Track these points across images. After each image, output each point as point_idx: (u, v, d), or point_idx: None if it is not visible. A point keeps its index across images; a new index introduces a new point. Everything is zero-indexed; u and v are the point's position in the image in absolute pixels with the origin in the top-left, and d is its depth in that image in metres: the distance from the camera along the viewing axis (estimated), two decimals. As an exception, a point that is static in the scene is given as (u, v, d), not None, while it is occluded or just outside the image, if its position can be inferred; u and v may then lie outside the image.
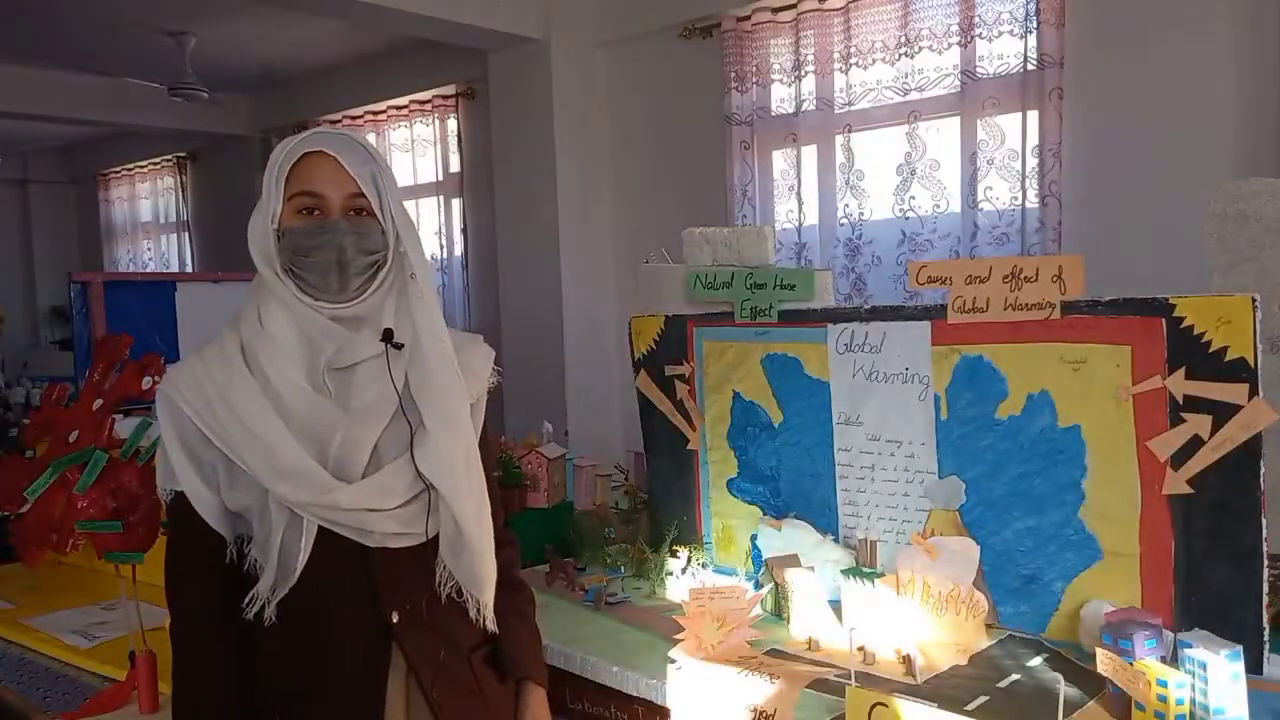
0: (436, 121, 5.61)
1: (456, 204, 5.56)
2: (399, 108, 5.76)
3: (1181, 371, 1.46)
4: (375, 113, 5.93)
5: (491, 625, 1.39)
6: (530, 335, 4.41)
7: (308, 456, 1.26)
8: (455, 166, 5.53)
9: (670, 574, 1.96)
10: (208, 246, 7.48)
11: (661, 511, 2.15)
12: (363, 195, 1.30)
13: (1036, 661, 1.53)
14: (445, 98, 5.51)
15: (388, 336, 1.32)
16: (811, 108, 3.91)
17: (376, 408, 1.30)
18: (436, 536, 1.33)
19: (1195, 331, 1.45)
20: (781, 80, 4.02)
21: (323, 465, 1.26)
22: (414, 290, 1.34)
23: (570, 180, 4.48)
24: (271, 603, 1.27)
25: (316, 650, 1.30)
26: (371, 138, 5.99)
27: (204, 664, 1.33)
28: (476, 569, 1.35)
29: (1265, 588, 1.43)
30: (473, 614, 1.36)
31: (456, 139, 5.50)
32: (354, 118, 6.06)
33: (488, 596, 1.38)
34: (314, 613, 1.29)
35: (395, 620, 1.31)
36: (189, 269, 7.52)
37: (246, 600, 1.28)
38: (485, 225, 5.20)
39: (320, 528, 1.27)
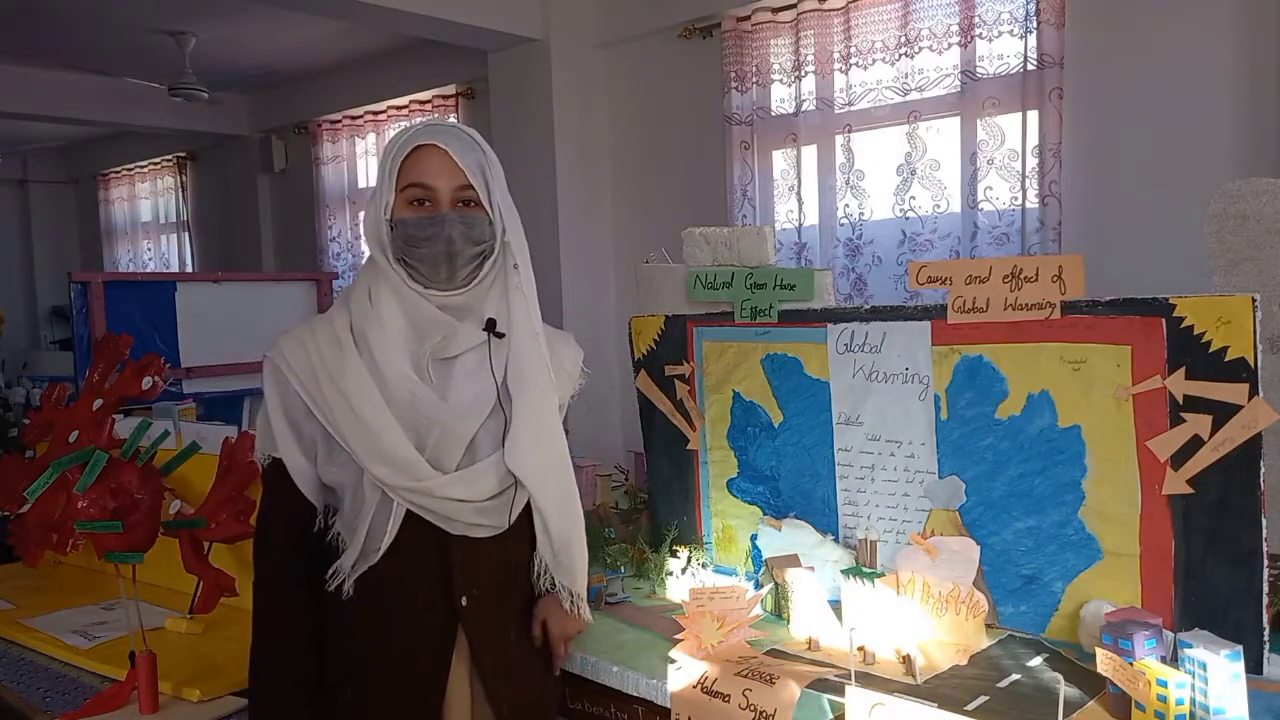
0: (436, 121, 5.61)
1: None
2: (399, 107, 5.76)
3: (1181, 371, 1.46)
4: (375, 113, 5.93)
5: (588, 617, 1.47)
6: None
7: (408, 444, 1.31)
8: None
9: (670, 574, 1.96)
10: (208, 246, 7.48)
11: (661, 511, 2.15)
12: (471, 187, 1.35)
13: (1037, 661, 1.53)
14: (445, 98, 5.51)
15: (490, 326, 1.37)
16: (811, 108, 3.91)
17: (475, 403, 1.36)
18: (516, 529, 1.40)
19: (1195, 331, 1.44)
20: (782, 80, 4.02)
21: (420, 453, 1.31)
22: (514, 281, 1.40)
23: (570, 180, 4.48)
24: (351, 578, 1.33)
25: (388, 627, 1.36)
26: (371, 138, 6.00)
27: (284, 628, 1.38)
28: (564, 560, 1.42)
29: (1265, 587, 1.43)
30: (566, 605, 1.44)
31: (457, 139, 5.49)
32: (354, 118, 6.07)
33: (580, 587, 1.45)
34: (389, 591, 1.35)
35: (464, 604, 1.37)
36: (189, 269, 7.52)
37: (330, 573, 1.34)
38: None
39: (407, 511, 1.33)
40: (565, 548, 1.42)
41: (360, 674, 1.37)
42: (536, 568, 1.42)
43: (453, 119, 5.51)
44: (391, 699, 1.36)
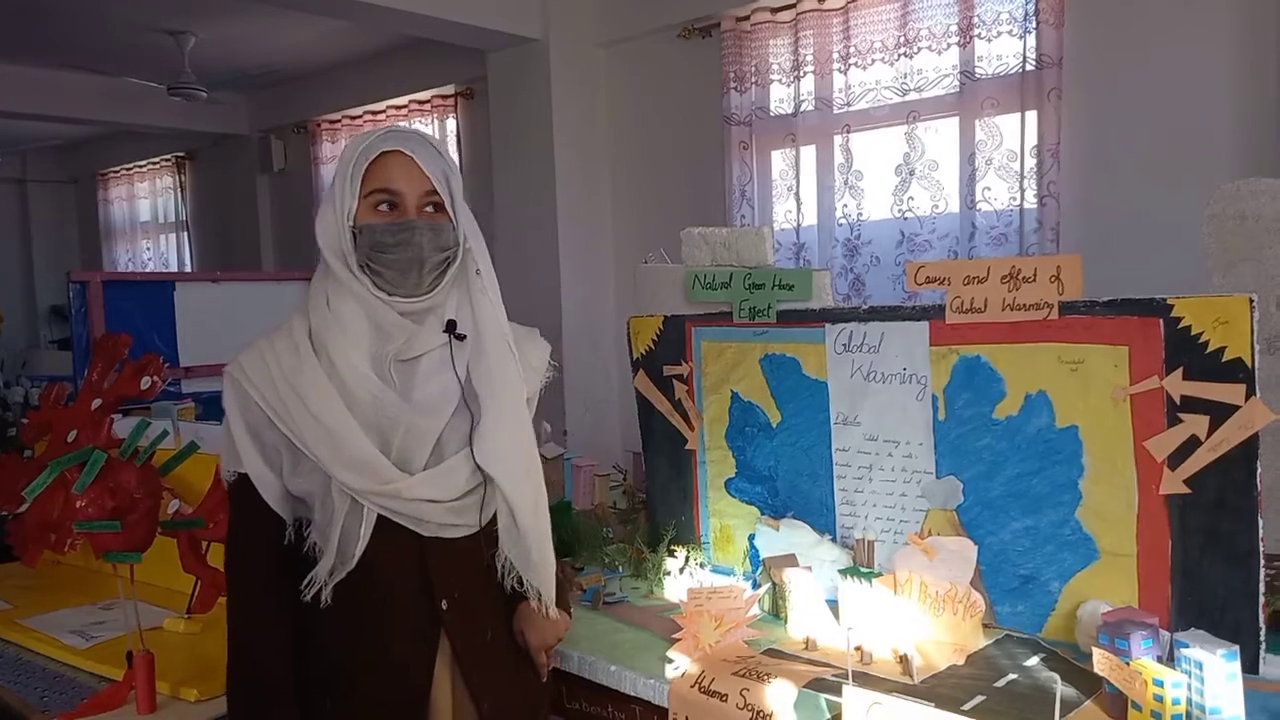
0: (436, 121, 5.61)
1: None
2: (398, 107, 5.76)
3: (1179, 372, 1.46)
4: (374, 112, 5.94)
5: (554, 614, 1.44)
6: (529, 335, 4.40)
7: (372, 446, 1.30)
8: (454, 166, 5.52)
9: (668, 574, 1.96)
10: (206, 246, 7.49)
11: (659, 511, 2.15)
12: (436, 193, 1.35)
13: (1033, 661, 1.53)
14: (444, 97, 5.51)
15: (451, 328, 1.36)
16: (810, 108, 3.91)
17: (439, 401, 1.35)
18: (489, 529, 1.39)
19: (1193, 332, 1.45)
20: (780, 80, 4.02)
21: (385, 455, 1.31)
22: (478, 284, 1.40)
23: (569, 180, 4.48)
24: (328, 585, 1.32)
25: (368, 633, 1.35)
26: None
27: (259, 641, 1.37)
28: (535, 557, 1.40)
29: (1262, 587, 1.43)
30: (534, 603, 1.42)
31: (456, 139, 5.50)
32: (353, 117, 6.07)
33: (548, 586, 1.43)
34: (368, 597, 1.34)
35: (445, 608, 1.36)
36: (188, 268, 7.52)
37: (305, 583, 1.33)
38: (484, 224, 5.19)
39: (379, 516, 1.32)
40: (538, 545, 1.40)
41: (341, 683, 1.36)
42: (501, 568, 1.39)
43: (451, 120, 5.51)
44: (375, 706, 1.35)
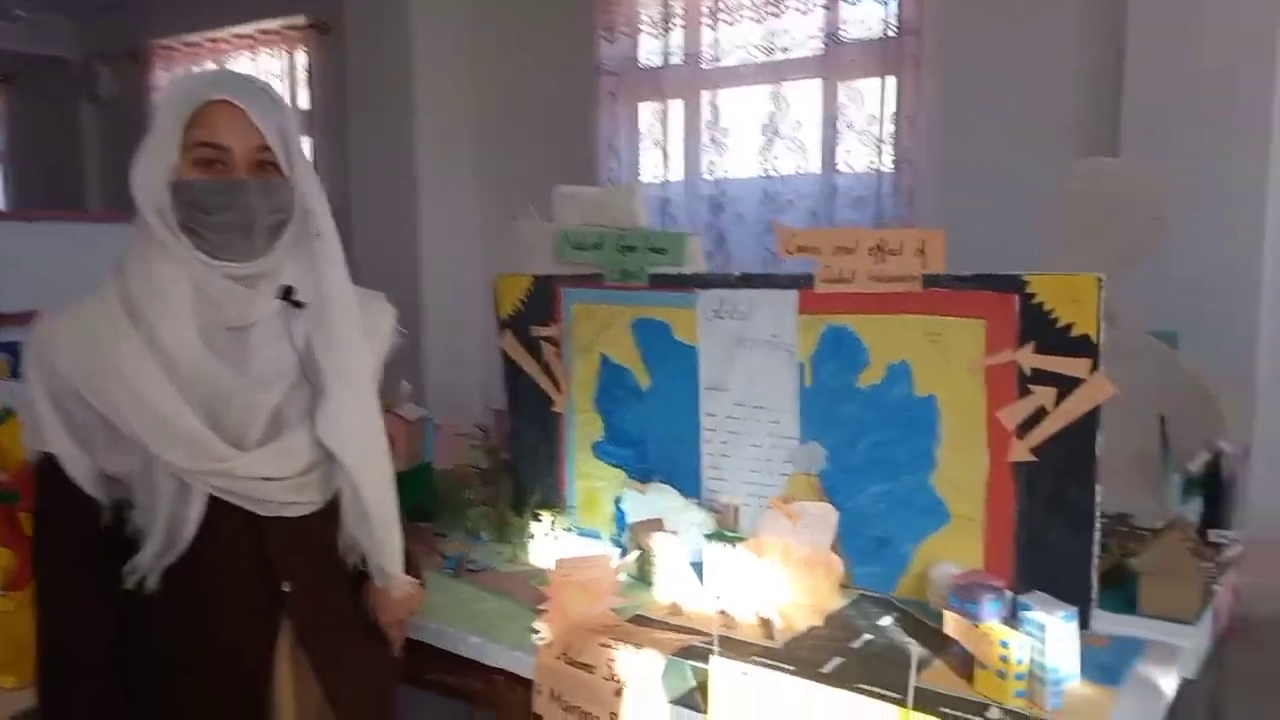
0: (285, 54, 5.27)
1: (304, 143, 5.25)
2: (243, 36, 5.37)
3: (1031, 345, 1.53)
4: (216, 39, 5.51)
5: (401, 590, 1.37)
6: (384, 290, 4.23)
7: (199, 422, 1.19)
8: (304, 104, 5.21)
9: (532, 538, 1.94)
10: (23, 181, 6.83)
11: (525, 474, 2.11)
12: (270, 149, 1.23)
13: (887, 621, 1.59)
14: (296, 29, 5.16)
15: (286, 294, 1.26)
16: (679, 62, 3.87)
17: (275, 371, 1.26)
18: (333, 505, 1.31)
19: (1045, 308, 1.51)
20: (650, 33, 3.97)
21: (216, 430, 1.20)
22: (319, 248, 1.29)
23: (430, 130, 4.30)
24: (155, 571, 1.22)
25: (198, 617, 1.26)
26: (209, 66, 5.57)
27: (66, 618, 1.25)
28: (379, 534, 1.33)
29: (1096, 550, 1.52)
30: (379, 582, 1.36)
31: (306, 74, 5.18)
32: (191, 44, 5.62)
33: (395, 562, 1.36)
34: (201, 582, 1.25)
35: (288, 589, 1.28)
36: (1, 205, 6.85)
37: (127, 568, 1.22)
38: (335, 168, 4.93)
39: (210, 496, 1.22)
40: (382, 522, 1.33)
41: (171, 669, 1.27)
42: (343, 544, 1.33)
43: (302, 53, 5.18)
44: (207, 693, 1.27)
